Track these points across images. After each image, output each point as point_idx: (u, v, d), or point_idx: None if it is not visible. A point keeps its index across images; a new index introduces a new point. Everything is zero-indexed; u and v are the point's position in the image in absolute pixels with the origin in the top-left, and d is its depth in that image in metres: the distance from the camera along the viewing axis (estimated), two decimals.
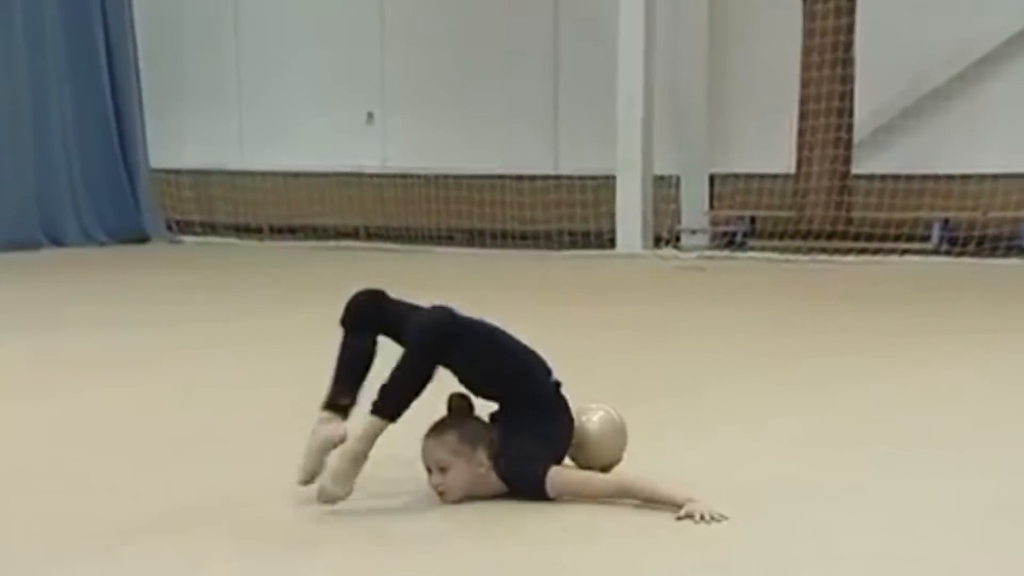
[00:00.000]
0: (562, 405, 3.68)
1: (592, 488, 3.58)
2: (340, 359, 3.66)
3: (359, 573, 3.13)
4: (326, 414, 3.60)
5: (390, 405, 3.45)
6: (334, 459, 3.50)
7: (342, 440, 3.55)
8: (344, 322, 3.70)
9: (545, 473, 3.55)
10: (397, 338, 3.64)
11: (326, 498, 3.46)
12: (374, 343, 3.68)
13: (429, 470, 3.58)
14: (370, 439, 3.46)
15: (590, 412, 3.78)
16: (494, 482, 3.59)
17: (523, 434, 3.57)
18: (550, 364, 3.71)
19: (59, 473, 4.12)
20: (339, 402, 3.59)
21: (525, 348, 3.68)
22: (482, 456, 3.57)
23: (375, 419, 3.45)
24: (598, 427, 3.75)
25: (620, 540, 3.35)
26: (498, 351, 3.61)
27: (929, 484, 3.92)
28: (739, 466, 4.15)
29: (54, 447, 4.50)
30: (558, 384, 3.70)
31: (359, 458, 3.46)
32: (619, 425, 3.82)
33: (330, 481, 3.44)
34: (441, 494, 3.57)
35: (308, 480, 3.54)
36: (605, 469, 3.72)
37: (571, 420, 3.69)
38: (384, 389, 3.49)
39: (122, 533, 3.42)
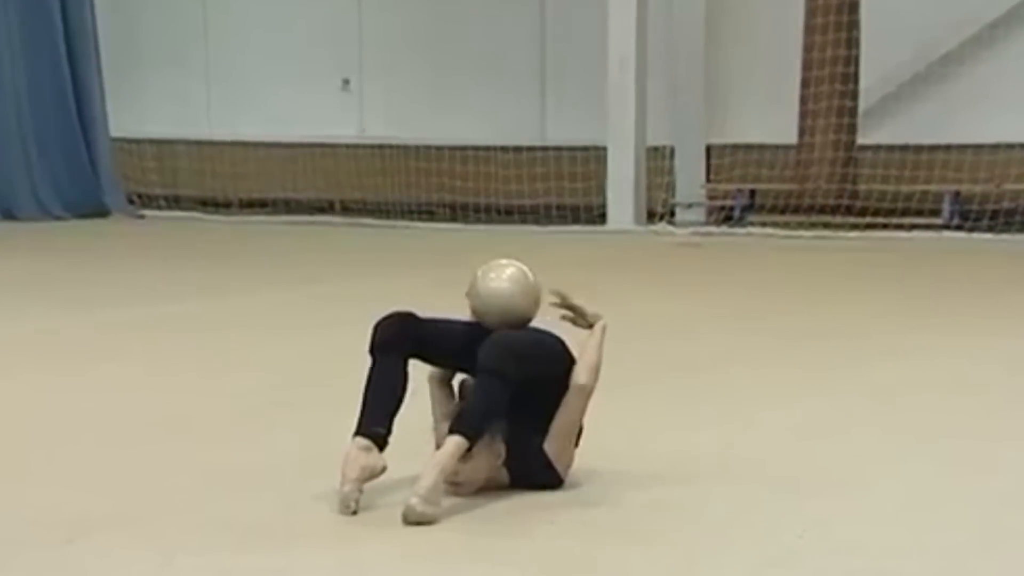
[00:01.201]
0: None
1: (573, 426, 3.74)
2: (373, 388, 3.64)
3: (335, 565, 3.17)
4: (364, 442, 3.56)
5: (475, 427, 3.53)
6: (426, 479, 3.44)
7: (383, 471, 3.57)
8: (374, 349, 3.69)
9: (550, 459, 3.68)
10: (431, 360, 3.77)
11: (418, 519, 3.40)
12: (406, 370, 3.69)
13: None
14: (454, 458, 3.50)
15: (499, 268, 3.80)
16: (503, 475, 3.69)
17: (531, 427, 3.67)
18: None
19: (17, 462, 4.15)
20: (375, 432, 3.56)
21: (557, 344, 3.78)
22: (500, 447, 3.65)
23: (460, 439, 3.50)
24: (508, 285, 3.77)
25: (614, 532, 3.40)
26: (550, 361, 3.73)
27: (933, 474, 3.98)
28: (737, 452, 4.20)
29: (10, 434, 4.52)
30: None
31: (445, 476, 3.51)
32: (531, 282, 3.81)
33: (422, 503, 3.40)
34: (457, 485, 3.61)
35: (354, 510, 3.51)
36: (515, 326, 3.73)
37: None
38: (469, 411, 3.57)
39: (84, 525, 3.46)
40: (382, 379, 3.63)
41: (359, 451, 3.54)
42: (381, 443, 3.58)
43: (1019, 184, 11.38)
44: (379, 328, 3.73)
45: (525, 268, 3.82)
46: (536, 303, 3.76)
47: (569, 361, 3.74)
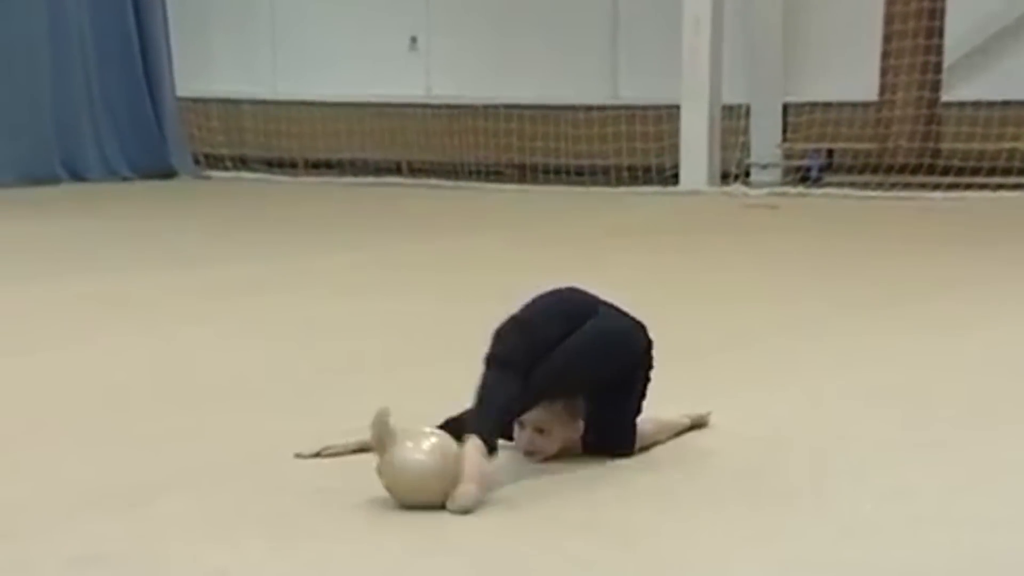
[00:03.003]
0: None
1: (665, 431, 3.83)
2: (492, 399, 3.50)
3: (412, 523, 3.17)
4: (483, 448, 3.39)
5: (489, 429, 3.47)
6: (468, 492, 3.29)
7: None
8: (493, 361, 3.58)
9: (634, 435, 3.72)
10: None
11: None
12: (522, 384, 3.56)
13: (521, 425, 3.64)
14: (485, 460, 3.43)
15: (419, 439, 3.34)
16: (577, 445, 3.71)
17: (617, 405, 3.69)
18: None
19: (83, 425, 4.19)
20: (489, 442, 3.41)
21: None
22: (580, 423, 3.67)
23: (479, 441, 3.42)
24: (427, 460, 3.30)
25: (689, 504, 3.37)
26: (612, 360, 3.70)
27: (1012, 445, 3.90)
28: (812, 422, 4.14)
29: (79, 397, 4.57)
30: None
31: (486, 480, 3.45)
32: (445, 464, 3.32)
33: (462, 510, 3.29)
34: (530, 453, 3.65)
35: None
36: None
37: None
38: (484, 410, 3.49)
39: (148, 489, 3.48)
40: (500, 390, 3.52)
41: (482, 456, 3.37)
42: (493, 454, 3.44)
43: None
44: (499, 338, 3.62)
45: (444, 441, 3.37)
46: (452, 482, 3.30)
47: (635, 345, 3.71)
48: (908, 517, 3.23)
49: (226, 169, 13.68)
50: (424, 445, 3.31)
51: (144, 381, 4.78)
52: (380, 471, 3.32)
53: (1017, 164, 11.32)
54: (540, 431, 3.63)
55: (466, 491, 3.27)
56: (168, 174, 13.31)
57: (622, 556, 3.00)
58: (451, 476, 3.29)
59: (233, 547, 3.06)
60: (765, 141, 12.38)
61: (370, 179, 13.02)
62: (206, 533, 3.15)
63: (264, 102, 14.37)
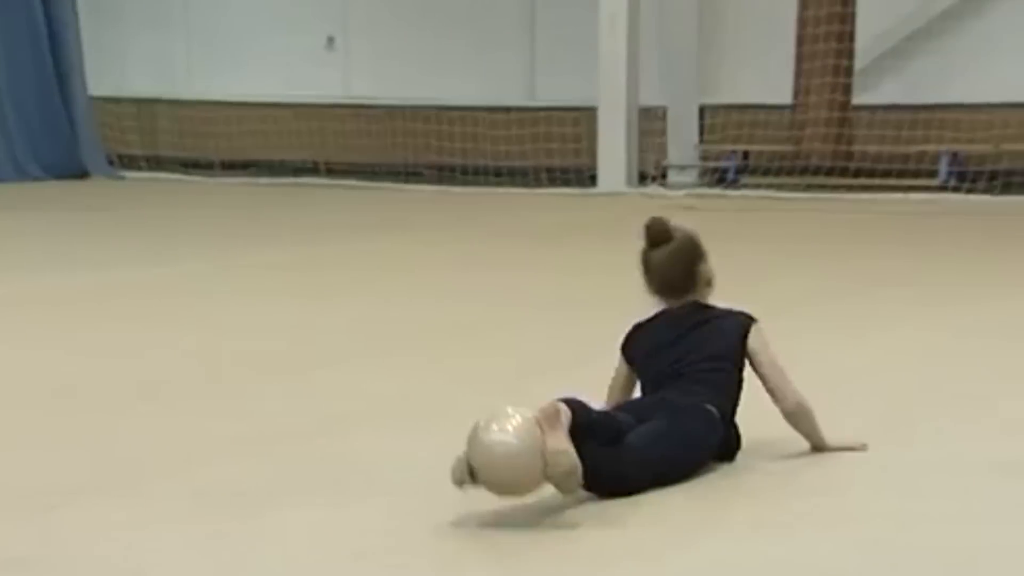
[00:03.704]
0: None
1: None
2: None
3: (323, 529, 3.18)
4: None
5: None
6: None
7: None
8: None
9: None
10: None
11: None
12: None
13: None
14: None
15: (502, 419, 3.22)
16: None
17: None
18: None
19: (1, 428, 4.15)
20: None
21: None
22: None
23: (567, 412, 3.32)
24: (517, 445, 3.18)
25: (755, 475, 3.40)
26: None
27: (937, 444, 4.00)
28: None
29: None
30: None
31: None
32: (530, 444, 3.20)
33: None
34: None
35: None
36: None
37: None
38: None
39: (66, 492, 3.46)
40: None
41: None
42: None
43: (1018, 145, 11.38)
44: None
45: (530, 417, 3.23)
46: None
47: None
48: (820, 515, 3.31)
49: (140, 169, 13.53)
50: (509, 426, 3.20)
51: (55, 383, 4.74)
52: (470, 469, 3.17)
53: (927, 166, 11.54)
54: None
55: (558, 450, 3.12)
56: (81, 174, 13.13)
57: None
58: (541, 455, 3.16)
59: (150, 550, 3.06)
60: (682, 143, 12.51)
61: (288, 180, 12.95)
62: (122, 535, 3.14)
63: (179, 102, 14.23)
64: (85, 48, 13.49)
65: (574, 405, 3.30)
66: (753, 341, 3.70)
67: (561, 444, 3.19)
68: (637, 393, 3.78)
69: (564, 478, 3.18)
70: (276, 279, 7.26)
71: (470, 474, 3.21)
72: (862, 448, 3.78)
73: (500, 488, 3.22)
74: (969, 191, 11.10)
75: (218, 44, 14.26)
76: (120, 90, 14.17)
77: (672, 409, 3.54)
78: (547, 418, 3.23)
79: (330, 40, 13.99)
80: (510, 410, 3.25)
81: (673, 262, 3.75)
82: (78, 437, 4.03)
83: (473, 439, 3.22)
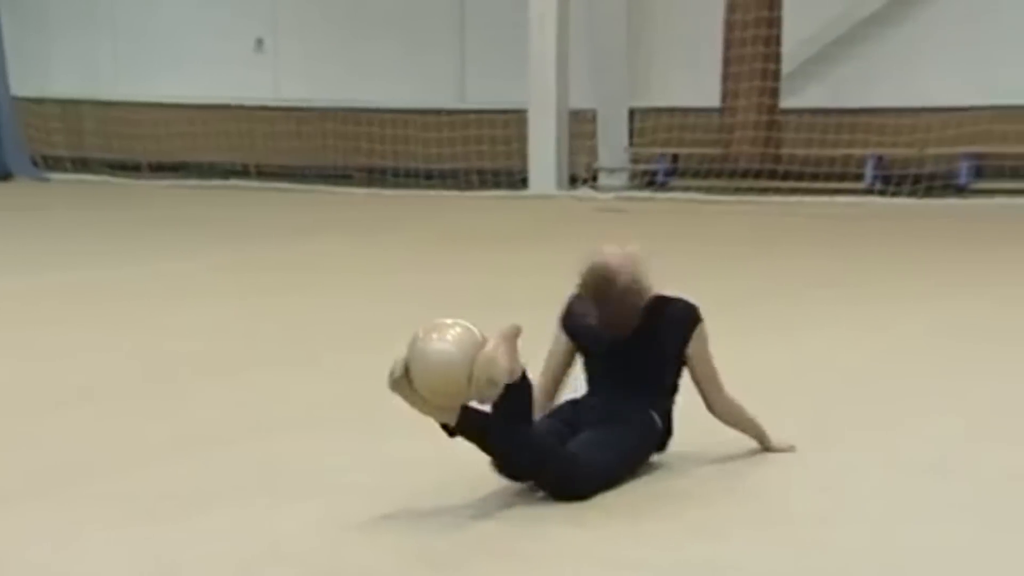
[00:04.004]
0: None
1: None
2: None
3: (253, 532, 3.17)
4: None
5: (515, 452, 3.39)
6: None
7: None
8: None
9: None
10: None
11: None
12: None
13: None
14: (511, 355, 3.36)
15: (443, 329, 3.32)
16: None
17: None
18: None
19: None
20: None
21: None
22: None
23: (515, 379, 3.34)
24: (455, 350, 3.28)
25: (687, 479, 3.42)
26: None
27: (864, 445, 4.06)
28: None
29: None
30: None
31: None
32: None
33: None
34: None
35: None
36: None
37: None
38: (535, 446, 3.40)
39: None
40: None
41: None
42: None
43: (940, 148, 11.56)
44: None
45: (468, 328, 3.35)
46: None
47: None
48: (750, 517, 3.35)
49: (66, 171, 13.36)
50: (448, 335, 3.27)
51: None
52: (398, 380, 3.24)
53: (852, 169, 11.69)
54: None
55: (490, 357, 3.19)
56: (4, 176, 12.95)
57: None
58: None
59: (80, 553, 3.03)
60: (612, 146, 12.57)
61: (217, 182, 12.86)
62: (52, 539, 3.11)
63: (106, 103, 14.07)
64: (8, 49, 13.30)
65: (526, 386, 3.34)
66: (692, 348, 3.71)
67: (499, 354, 3.25)
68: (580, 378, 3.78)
69: (487, 384, 3.24)
70: (207, 281, 7.21)
71: (406, 377, 3.26)
72: (790, 449, 3.83)
73: (433, 392, 3.27)
74: (894, 194, 11.26)
75: (145, 45, 14.12)
76: (44, 91, 13.99)
77: (615, 418, 3.56)
78: (505, 334, 3.30)
79: (259, 42, 13.90)
80: (450, 321, 3.34)
81: (619, 312, 3.64)
82: (9, 441, 3.98)
83: (413, 345, 3.28)
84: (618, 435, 3.54)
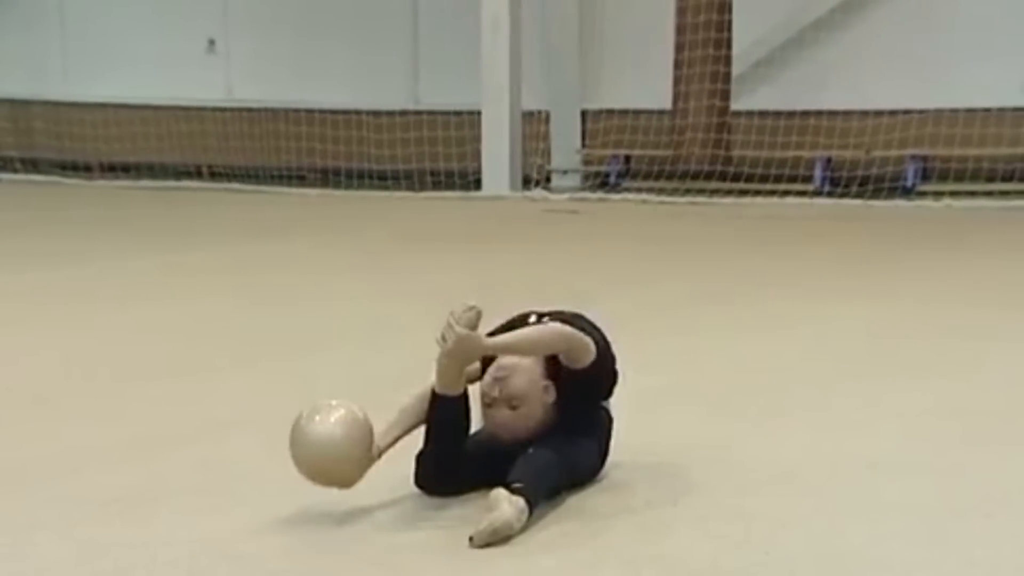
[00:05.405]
0: None
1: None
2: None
3: (198, 535, 3.15)
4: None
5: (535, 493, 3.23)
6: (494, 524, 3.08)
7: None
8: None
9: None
10: None
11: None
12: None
13: (490, 402, 3.26)
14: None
15: (326, 411, 3.20)
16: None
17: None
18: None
19: None
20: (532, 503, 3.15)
21: None
22: (551, 396, 3.30)
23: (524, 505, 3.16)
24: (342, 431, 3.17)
25: (626, 475, 3.44)
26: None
27: (812, 442, 4.10)
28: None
29: None
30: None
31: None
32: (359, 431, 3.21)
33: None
34: (500, 427, 3.26)
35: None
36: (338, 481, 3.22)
37: None
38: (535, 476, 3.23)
39: None
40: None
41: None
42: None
43: (887, 151, 11.69)
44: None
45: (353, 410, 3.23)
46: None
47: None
48: (699, 516, 3.37)
49: (15, 171, 13.24)
50: (332, 417, 3.17)
51: None
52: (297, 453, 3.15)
53: (802, 171, 11.79)
54: (514, 407, 3.27)
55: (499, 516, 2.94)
56: None
57: None
58: (365, 446, 3.15)
59: (23, 557, 3.01)
60: (565, 147, 12.61)
61: (169, 183, 12.78)
62: (2, 542, 3.09)
63: (55, 103, 13.95)
64: None
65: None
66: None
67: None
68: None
69: (455, 344, 3.13)
70: (155, 283, 7.16)
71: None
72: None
73: (319, 479, 3.21)
74: (842, 196, 11.36)
75: (95, 45, 14.01)
76: None
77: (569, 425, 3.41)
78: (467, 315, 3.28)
79: (211, 42, 13.83)
80: (334, 402, 3.24)
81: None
82: None
83: (294, 430, 3.19)
84: (584, 428, 3.45)
